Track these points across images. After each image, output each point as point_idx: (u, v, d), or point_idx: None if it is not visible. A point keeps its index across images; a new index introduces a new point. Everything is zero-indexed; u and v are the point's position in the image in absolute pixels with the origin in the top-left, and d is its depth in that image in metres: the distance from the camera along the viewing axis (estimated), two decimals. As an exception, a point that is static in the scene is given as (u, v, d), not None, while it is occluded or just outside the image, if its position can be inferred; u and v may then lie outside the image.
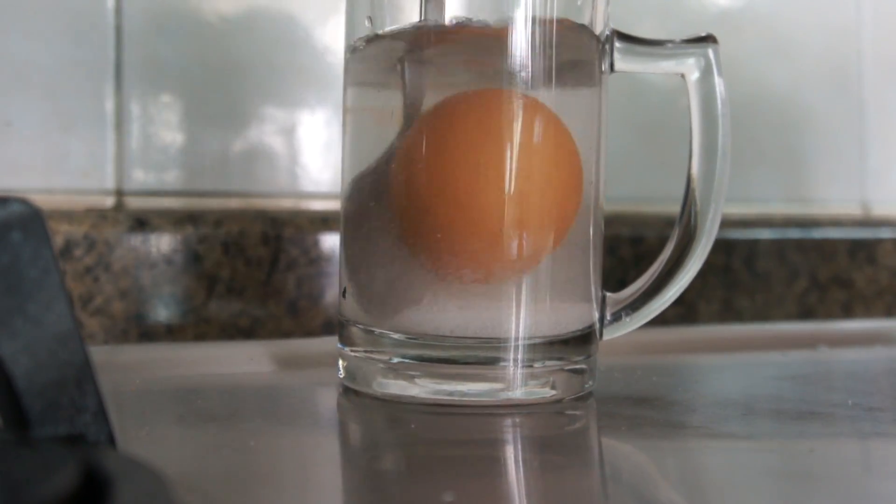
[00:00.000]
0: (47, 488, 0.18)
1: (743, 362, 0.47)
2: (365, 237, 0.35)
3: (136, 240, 0.47)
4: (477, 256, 0.33)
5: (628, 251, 0.56)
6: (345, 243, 0.36)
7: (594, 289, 0.35)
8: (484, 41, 0.34)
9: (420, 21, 0.34)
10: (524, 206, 0.33)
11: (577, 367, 0.35)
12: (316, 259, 0.50)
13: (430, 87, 0.34)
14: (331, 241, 0.50)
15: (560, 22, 0.34)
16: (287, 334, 0.49)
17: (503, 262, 0.33)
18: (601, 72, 0.35)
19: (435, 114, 0.34)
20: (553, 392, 0.34)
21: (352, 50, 0.36)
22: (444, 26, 0.34)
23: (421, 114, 0.34)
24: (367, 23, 0.35)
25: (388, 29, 0.35)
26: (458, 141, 0.33)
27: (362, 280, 0.35)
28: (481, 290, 0.33)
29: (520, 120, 0.33)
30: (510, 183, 0.33)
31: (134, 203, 0.49)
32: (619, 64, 0.35)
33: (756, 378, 0.44)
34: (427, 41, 0.34)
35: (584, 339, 0.35)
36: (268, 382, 0.39)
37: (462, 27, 0.34)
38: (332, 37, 0.53)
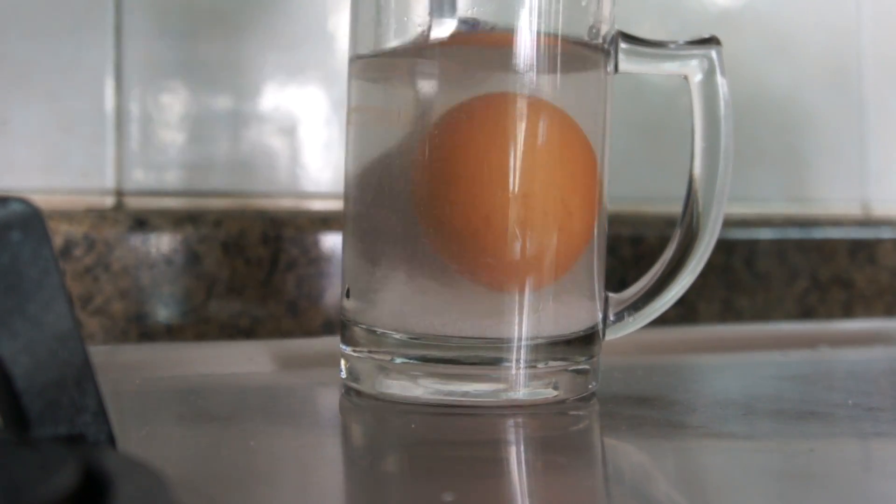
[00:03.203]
0: (47, 488, 0.18)
1: (743, 362, 0.47)
2: (370, 234, 0.35)
3: (136, 240, 0.47)
4: (485, 255, 0.33)
5: (628, 251, 0.56)
6: (347, 242, 0.36)
7: (597, 289, 0.35)
8: (489, 43, 0.34)
9: (425, 27, 0.34)
10: (532, 208, 0.33)
11: (581, 367, 0.35)
12: (316, 259, 0.50)
13: (435, 90, 0.34)
14: (331, 241, 0.50)
15: (564, 22, 0.34)
16: (287, 334, 0.49)
17: (510, 263, 0.33)
18: (606, 72, 0.35)
19: (446, 119, 0.34)
20: (556, 392, 0.34)
21: (356, 49, 0.36)
22: (449, 35, 0.34)
23: (429, 119, 0.34)
24: (371, 23, 0.35)
25: (392, 33, 0.35)
26: (471, 144, 0.33)
27: (365, 280, 0.35)
28: (484, 290, 0.33)
29: (531, 124, 0.33)
30: (516, 186, 0.33)
31: (134, 203, 0.49)
32: (624, 65, 0.35)
33: (756, 378, 0.43)
34: (431, 50, 0.34)
35: (587, 340, 0.35)
36: (268, 382, 0.39)
37: (467, 35, 0.34)
38: (333, 36, 0.53)
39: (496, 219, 0.33)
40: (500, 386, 0.33)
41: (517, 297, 0.33)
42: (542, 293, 0.34)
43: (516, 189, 0.33)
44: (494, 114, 0.33)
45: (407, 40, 0.34)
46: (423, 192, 0.33)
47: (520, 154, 0.33)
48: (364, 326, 0.35)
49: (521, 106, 0.33)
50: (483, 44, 0.34)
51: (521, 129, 0.33)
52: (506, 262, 0.33)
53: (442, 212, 0.33)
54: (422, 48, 0.34)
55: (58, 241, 0.45)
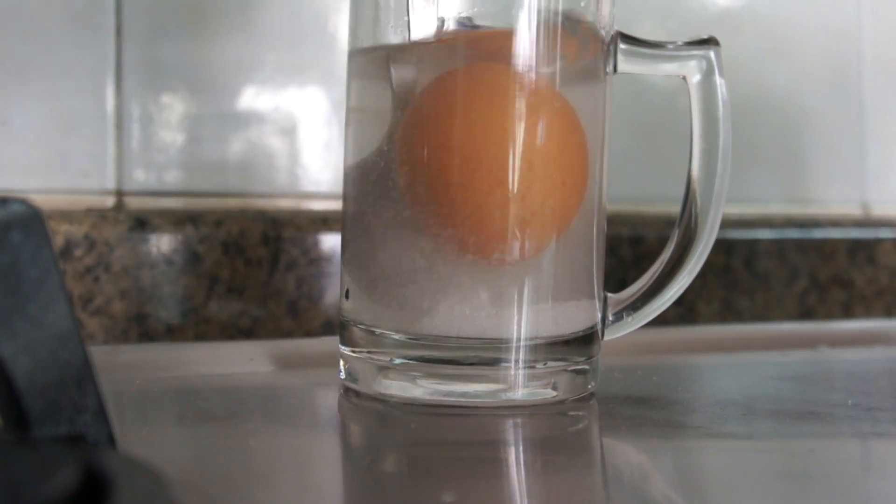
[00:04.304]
0: (47, 488, 0.18)
1: (743, 362, 0.47)
2: (368, 235, 0.35)
3: (136, 240, 0.47)
4: (482, 224, 0.33)
5: (628, 251, 0.56)
6: (346, 243, 0.36)
7: (596, 289, 0.35)
8: (488, 43, 0.34)
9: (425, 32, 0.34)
10: (530, 169, 0.33)
11: (580, 367, 0.35)
12: (316, 259, 0.50)
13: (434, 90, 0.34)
14: (331, 241, 0.50)
15: (565, 19, 0.34)
16: (287, 334, 0.49)
17: (510, 234, 0.33)
18: (605, 73, 0.35)
19: (440, 84, 0.33)
20: (555, 393, 0.34)
21: (355, 50, 0.36)
22: (448, 33, 0.34)
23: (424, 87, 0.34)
24: (371, 24, 0.35)
25: (391, 34, 0.35)
26: (465, 105, 0.33)
27: (364, 280, 0.35)
28: (484, 290, 0.33)
29: (526, 96, 0.33)
30: (514, 154, 0.33)
31: (134, 203, 0.49)
32: (623, 65, 0.35)
33: (756, 378, 0.44)
34: (429, 49, 0.34)
35: (586, 340, 0.35)
36: (268, 382, 0.39)
37: (466, 33, 0.34)
38: (333, 36, 0.53)
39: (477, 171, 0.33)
40: (499, 386, 0.33)
41: (516, 297, 0.33)
42: (540, 293, 0.34)
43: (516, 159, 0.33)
44: (481, 84, 0.33)
45: (406, 38, 0.34)
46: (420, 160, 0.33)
47: (522, 124, 0.33)
48: (363, 327, 0.35)
49: (519, 79, 0.33)
50: (482, 39, 0.34)
51: (522, 101, 0.33)
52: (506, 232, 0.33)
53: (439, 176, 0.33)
54: (421, 46, 0.34)
55: (58, 242, 0.45)
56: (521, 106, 0.33)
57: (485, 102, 0.33)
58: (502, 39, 0.33)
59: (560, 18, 0.34)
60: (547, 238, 0.34)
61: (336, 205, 0.42)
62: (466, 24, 0.34)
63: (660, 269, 0.36)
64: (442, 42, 0.34)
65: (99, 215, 0.47)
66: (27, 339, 0.22)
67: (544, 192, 0.33)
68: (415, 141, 0.33)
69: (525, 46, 0.33)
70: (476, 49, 0.34)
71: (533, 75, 0.33)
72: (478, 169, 0.33)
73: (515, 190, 0.33)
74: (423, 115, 0.33)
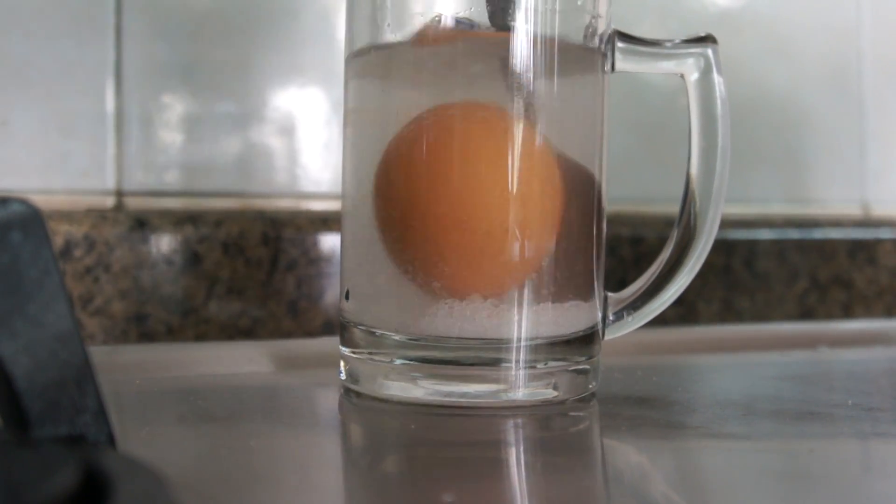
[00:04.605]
0: (47, 488, 0.18)
1: (743, 362, 0.47)
2: (368, 235, 0.35)
3: (135, 240, 0.47)
4: (468, 271, 0.33)
5: (628, 251, 0.56)
6: (346, 244, 0.36)
7: (596, 289, 0.35)
8: (486, 44, 0.34)
9: (420, 27, 0.34)
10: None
11: (580, 367, 0.35)
12: (316, 259, 0.50)
13: (432, 91, 0.34)
14: (331, 241, 0.50)
15: (561, 21, 0.34)
16: (287, 334, 0.49)
17: (493, 278, 0.33)
18: (602, 72, 0.35)
19: (419, 131, 0.34)
20: (555, 393, 0.34)
21: (353, 51, 0.36)
22: (445, 31, 0.34)
23: (414, 121, 0.34)
24: (368, 23, 0.35)
25: (388, 34, 0.35)
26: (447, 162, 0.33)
27: (364, 283, 0.35)
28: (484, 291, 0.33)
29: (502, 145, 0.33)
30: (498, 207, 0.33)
31: (134, 203, 0.49)
32: (620, 64, 0.35)
33: (756, 378, 0.44)
34: (429, 50, 0.34)
35: (586, 340, 0.35)
36: (268, 382, 0.39)
37: (464, 32, 0.34)
38: (333, 36, 0.53)
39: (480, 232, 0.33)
40: (500, 386, 0.33)
41: (516, 298, 0.33)
42: (540, 293, 0.34)
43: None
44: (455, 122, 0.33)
45: (404, 38, 0.34)
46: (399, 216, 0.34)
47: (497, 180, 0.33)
48: (363, 328, 0.35)
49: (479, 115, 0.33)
50: (480, 40, 0.34)
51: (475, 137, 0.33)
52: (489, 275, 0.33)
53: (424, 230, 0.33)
54: (418, 48, 0.34)
55: (58, 242, 0.45)
56: (499, 158, 0.33)
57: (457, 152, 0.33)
58: (499, 41, 0.33)
59: (557, 16, 0.34)
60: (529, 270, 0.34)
61: (336, 205, 0.42)
62: (465, 24, 0.34)
63: (659, 269, 0.36)
64: (439, 41, 0.34)
65: (99, 215, 0.47)
66: (27, 339, 0.22)
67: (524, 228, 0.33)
68: (389, 191, 0.34)
69: (522, 47, 0.33)
70: (477, 57, 0.34)
71: (531, 76, 0.33)
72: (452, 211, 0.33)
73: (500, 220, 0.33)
74: (401, 155, 0.34)
